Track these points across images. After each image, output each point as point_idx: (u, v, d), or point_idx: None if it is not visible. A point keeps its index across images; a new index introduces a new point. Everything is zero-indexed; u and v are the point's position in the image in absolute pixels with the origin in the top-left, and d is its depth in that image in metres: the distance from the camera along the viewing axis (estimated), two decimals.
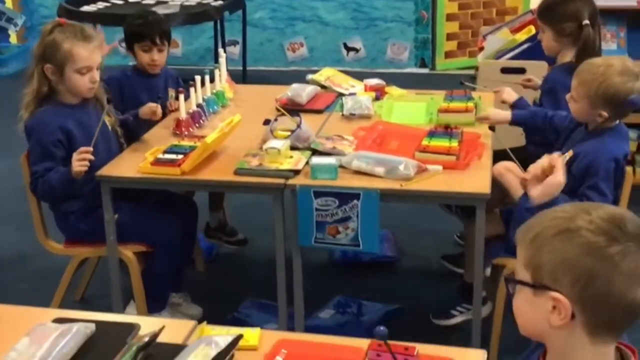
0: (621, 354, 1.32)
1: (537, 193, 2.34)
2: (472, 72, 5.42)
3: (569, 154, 2.66)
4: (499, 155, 3.03)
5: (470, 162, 2.84)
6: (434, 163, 2.79)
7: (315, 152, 2.92)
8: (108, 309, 3.03)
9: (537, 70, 3.88)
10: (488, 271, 3.14)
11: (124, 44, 3.61)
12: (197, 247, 3.66)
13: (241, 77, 6.53)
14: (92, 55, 2.96)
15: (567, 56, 3.31)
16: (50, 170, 2.90)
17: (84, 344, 1.77)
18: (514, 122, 3.15)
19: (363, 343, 1.78)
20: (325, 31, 7.35)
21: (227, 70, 3.73)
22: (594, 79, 2.67)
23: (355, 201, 2.68)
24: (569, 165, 2.77)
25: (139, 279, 3.05)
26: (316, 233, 2.74)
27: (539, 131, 3.13)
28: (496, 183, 2.78)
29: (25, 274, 3.76)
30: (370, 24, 7.27)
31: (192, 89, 3.30)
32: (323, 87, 3.77)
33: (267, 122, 3.12)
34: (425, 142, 2.95)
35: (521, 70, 4.09)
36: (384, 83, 3.70)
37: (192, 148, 2.92)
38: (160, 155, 2.91)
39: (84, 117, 3.02)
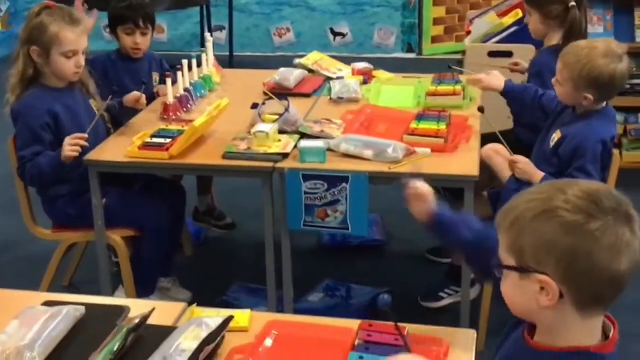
0: (603, 325, 1.34)
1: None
2: (459, 56, 5.41)
3: (557, 134, 2.67)
4: (487, 139, 3.04)
5: (459, 145, 2.85)
6: (423, 146, 2.79)
7: (304, 135, 2.92)
8: (96, 294, 2.98)
9: (524, 54, 3.88)
10: None
11: (108, 30, 3.59)
12: (186, 231, 3.65)
13: (228, 62, 6.51)
14: (79, 39, 2.94)
15: (554, 39, 3.31)
16: (38, 154, 2.88)
17: (74, 326, 1.76)
18: (505, 92, 3.12)
19: (353, 324, 1.79)
20: (312, 16, 7.33)
21: (214, 55, 3.72)
22: (577, 61, 2.68)
23: (344, 184, 2.68)
24: (557, 147, 2.78)
25: (128, 263, 3.05)
26: (305, 216, 2.75)
27: (526, 109, 3.12)
28: (484, 165, 2.78)
29: (13, 260, 3.75)
30: (357, 9, 7.26)
31: (179, 73, 3.29)
32: (311, 71, 3.76)
33: (255, 106, 3.12)
34: (413, 125, 2.95)
35: (508, 54, 4.09)
36: (371, 67, 3.70)
37: (180, 132, 2.90)
38: (148, 140, 2.90)
39: (70, 101, 3.01)
